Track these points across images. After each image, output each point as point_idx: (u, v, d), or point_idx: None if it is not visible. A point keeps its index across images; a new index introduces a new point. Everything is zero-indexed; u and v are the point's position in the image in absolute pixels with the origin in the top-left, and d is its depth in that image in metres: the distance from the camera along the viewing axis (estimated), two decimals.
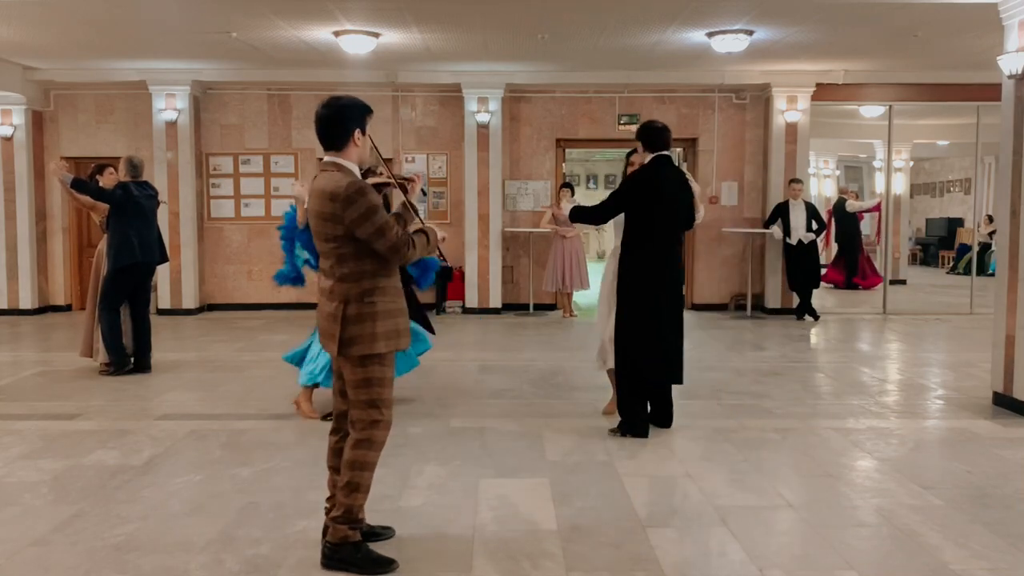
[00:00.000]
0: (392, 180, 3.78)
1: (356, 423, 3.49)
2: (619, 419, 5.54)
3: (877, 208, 14.49)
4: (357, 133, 3.47)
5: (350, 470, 3.46)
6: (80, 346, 7.72)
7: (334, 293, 3.47)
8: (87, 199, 7.53)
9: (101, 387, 7.01)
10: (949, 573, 3.48)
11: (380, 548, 3.59)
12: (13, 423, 5.81)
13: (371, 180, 3.71)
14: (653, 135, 5.49)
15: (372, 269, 3.43)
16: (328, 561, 3.46)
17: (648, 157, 5.51)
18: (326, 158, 3.51)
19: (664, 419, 5.64)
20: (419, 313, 3.70)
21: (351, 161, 3.48)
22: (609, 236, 22.48)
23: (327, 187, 3.38)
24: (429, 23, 8.69)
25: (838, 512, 4.20)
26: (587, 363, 7.86)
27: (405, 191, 3.82)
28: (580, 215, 5.86)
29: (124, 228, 7.34)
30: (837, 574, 3.47)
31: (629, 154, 5.84)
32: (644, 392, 5.54)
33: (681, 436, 5.54)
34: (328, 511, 3.57)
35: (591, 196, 22.50)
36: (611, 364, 5.64)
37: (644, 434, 5.43)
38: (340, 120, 3.45)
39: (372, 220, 3.33)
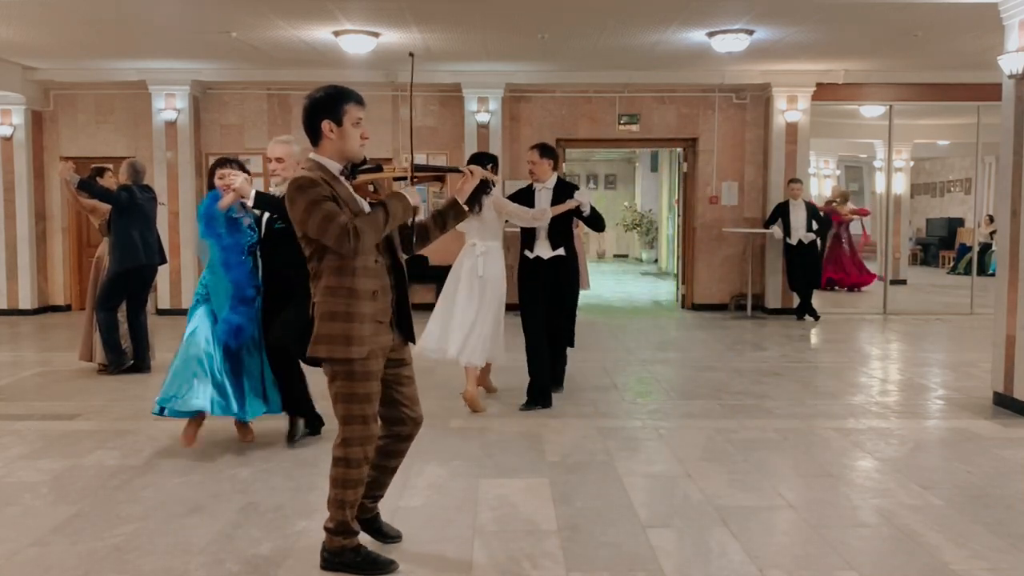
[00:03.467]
0: (408, 175, 3.39)
1: (336, 437, 3.40)
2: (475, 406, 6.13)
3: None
4: (327, 125, 3.24)
5: (332, 487, 3.39)
6: (79, 348, 7.73)
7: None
8: (89, 201, 7.55)
9: (101, 387, 7.01)
10: (949, 573, 3.47)
11: (380, 548, 3.59)
12: (13, 423, 5.81)
13: (371, 176, 3.39)
14: (557, 156, 6.47)
15: (329, 268, 3.26)
16: (328, 565, 3.45)
17: (551, 172, 6.30)
18: (308, 155, 3.37)
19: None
20: (404, 317, 3.38)
21: (327, 157, 3.29)
22: (610, 237, 22.58)
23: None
24: (429, 23, 8.69)
25: (838, 512, 4.20)
26: (588, 363, 7.88)
27: (440, 181, 3.47)
28: (596, 230, 6.44)
29: (128, 230, 7.36)
30: (837, 574, 3.47)
31: (539, 148, 6.38)
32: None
33: (681, 436, 5.54)
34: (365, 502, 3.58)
35: (590, 196, 22.49)
36: (486, 358, 6.10)
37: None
38: (308, 115, 3.28)
39: (313, 215, 3.16)
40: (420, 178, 3.47)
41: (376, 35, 9.02)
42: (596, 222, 6.27)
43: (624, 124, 11.84)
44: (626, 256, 22.65)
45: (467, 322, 6.00)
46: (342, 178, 3.32)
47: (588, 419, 5.95)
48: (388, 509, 4.01)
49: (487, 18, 8.48)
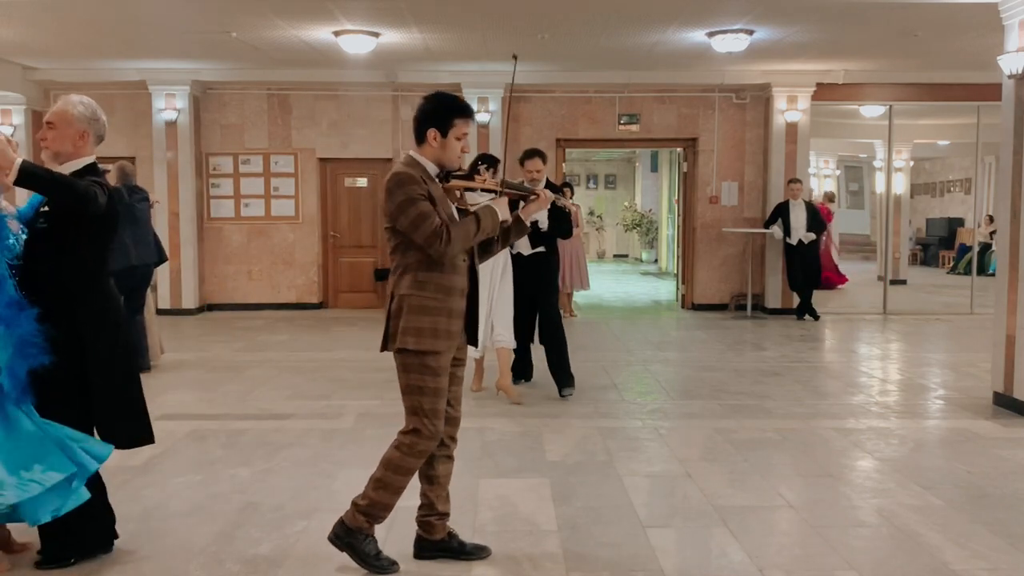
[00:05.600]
0: (498, 189, 3.55)
1: (404, 425, 3.44)
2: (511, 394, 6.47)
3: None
4: (431, 134, 3.39)
5: (384, 468, 3.41)
6: None
7: (390, 287, 3.46)
8: None
9: None
10: (949, 573, 3.48)
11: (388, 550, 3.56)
12: None
13: (459, 183, 3.51)
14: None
15: (417, 262, 3.36)
16: (336, 539, 3.46)
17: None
18: (409, 151, 3.51)
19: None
20: (473, 318, 3.53)
21: (426, 158, 3.43)
22: (610, 237, 22.61)
23: (386, 178, 3.42)
24: (429, 23, 8.69)
25: (838, 512, 4.20)
26: (588, 363, 7.87)
27: (520, 201, 3.63)
28: (559, 236, 6.63)
29: (118, 232, 7.38)
30: (837, 574, 3.47)
31: (524, 159, 6.60)
32: None
33: (681, 436, 5.54)
34: (425, 514, 3.56)
35: (591, 196, 22.54)
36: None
37: None
38: (420, 117, 3.45)
39: (407, 212, 3.28)
40: (508, 195, 3.62)
41: (376, 35, 9.02)
42: (560, 231, 6.57)
43: (624, 124, 11.83)
44: (626, 256, 22.64)
45: (487, 312, 6.28)
46: (436, 180, 3.46)
47: (588, 419, 5.95)
48: None
49: (487, 18, 8.48)
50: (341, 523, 3.47)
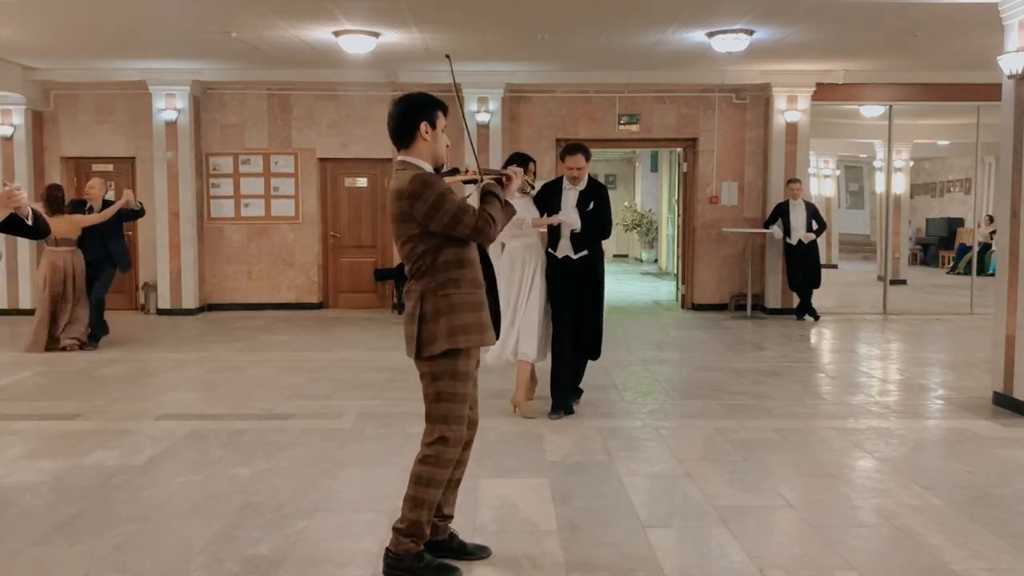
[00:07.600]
0: (478, 177, 3.55)
1: (425, 435, 3.38)
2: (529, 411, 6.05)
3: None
4: (424, 127, 3.36)
5: (415, 484, 3.35)
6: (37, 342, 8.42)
7: (411, 292, 3.37)
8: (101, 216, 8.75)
9: (101, 387, 7.02)
10: (949, 573, 3.47)
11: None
12: (13, 423, 5.81)
13: (452, 179, 3.52)
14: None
15: (447, 261, 3.31)
16: (390, 570, 3.38)
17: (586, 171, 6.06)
18: (398, 157, 3.45)
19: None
20: (495, 311, 3.52)
21: (421, 158, 3.38)
22: (610, 236, 22.55)
23: (395, 187, 3.32)
24: (429, 23, 8.69)
25: (838, 512, 4.20)
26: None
27: (501, 186, 3.67)
28: (593, 239, 5.99)
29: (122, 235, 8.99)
30: (837, 574, 3.47)
31: (565, 154, 6.14)
32: None
33: (681, 436, 5.54)
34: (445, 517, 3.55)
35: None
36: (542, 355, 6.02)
37: None
38: (404, 116, 3.39)
39: (443, 210, 3.22)
40: (487, 181, 3.62)
41: (376, 35, 9.02)
42: (594, 235, 5.98)
43: (624, 124, 11.84)
44: (626, 256, 22.64)
45: (511, 321, 5.86)
46: None
47: (588, 419, 5.95)
48: (389, 509, 4.01)
49: (487, 18, 8.48)
50: (388, 554, 3.39)
